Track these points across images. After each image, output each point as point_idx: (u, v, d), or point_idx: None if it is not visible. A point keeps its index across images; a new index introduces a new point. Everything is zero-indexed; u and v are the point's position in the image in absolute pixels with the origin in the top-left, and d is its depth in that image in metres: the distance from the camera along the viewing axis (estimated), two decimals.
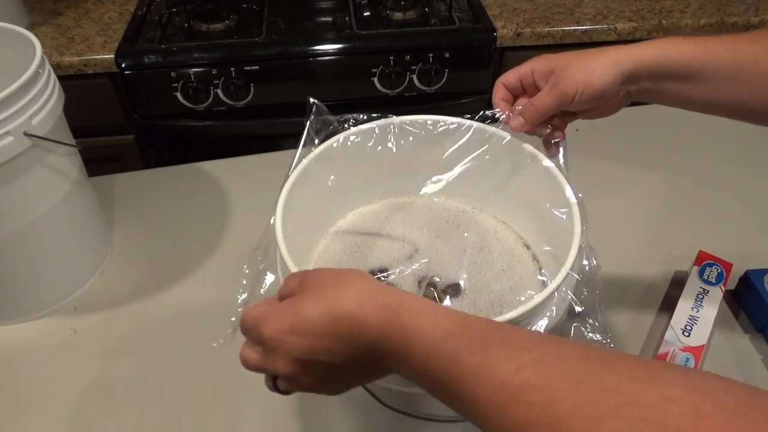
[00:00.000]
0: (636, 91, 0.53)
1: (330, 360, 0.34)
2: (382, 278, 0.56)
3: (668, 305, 0.74)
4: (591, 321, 0.45)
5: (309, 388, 0.37)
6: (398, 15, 1.38)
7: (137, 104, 1.31)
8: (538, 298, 0.42)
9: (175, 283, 0.80)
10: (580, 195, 0.51)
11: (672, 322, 0.69)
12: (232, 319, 0.42)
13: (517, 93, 0.57)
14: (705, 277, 0.73)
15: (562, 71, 0.51)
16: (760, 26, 1.38)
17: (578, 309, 0.45)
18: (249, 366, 0.39)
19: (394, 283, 0.56)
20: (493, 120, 0.57)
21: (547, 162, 0.54)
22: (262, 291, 0.47)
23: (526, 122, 0.54)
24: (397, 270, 0.56)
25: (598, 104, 0.52)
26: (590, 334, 0.44)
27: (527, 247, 0.59)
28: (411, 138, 0.60)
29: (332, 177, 0.59)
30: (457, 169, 0.61)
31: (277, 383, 0.39)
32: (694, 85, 0.50)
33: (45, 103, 0.65)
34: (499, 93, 0.56)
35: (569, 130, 0.57)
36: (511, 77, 0.56)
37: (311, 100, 0.54)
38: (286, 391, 0.39)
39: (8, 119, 0.60)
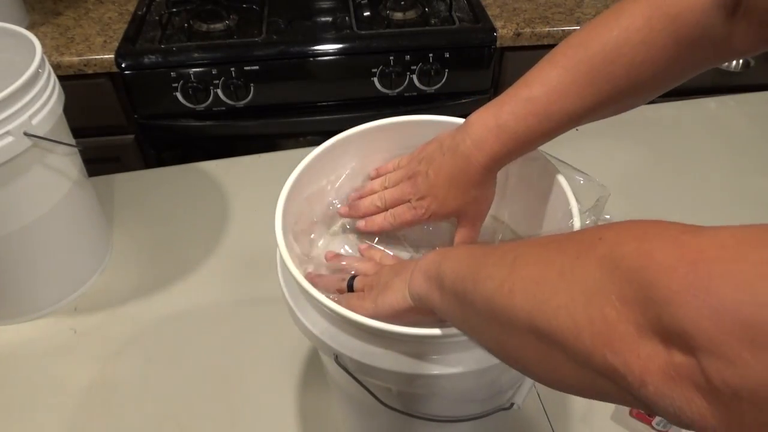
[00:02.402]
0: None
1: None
2: None
3: None
4: None
5: (380, 278, 0.48)
6: (398, 15, 1.38)
7: (137, 104, 1.31)
8: None
9: (175, 283, 0.80)
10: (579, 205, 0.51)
11: None
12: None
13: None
14: None
15: (465, 217, 0.54)
16: None
17: None
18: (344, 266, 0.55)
19: None
20: None
21: (547, 162, 0.54)
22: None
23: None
24: None
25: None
26: None
27: None
28: (410, 138, 0.60)
29: (332, 177, 0.59)
30: None
31: (354, 281, 0.51)
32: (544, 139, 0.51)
33: (45, 103, 0.65)
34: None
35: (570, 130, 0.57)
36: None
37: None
38: (355, 288, 0.50)
39: (8, 119, 0.60)
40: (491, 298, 0.32)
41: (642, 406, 0.25)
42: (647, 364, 0.23)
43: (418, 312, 0.43)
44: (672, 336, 0.23)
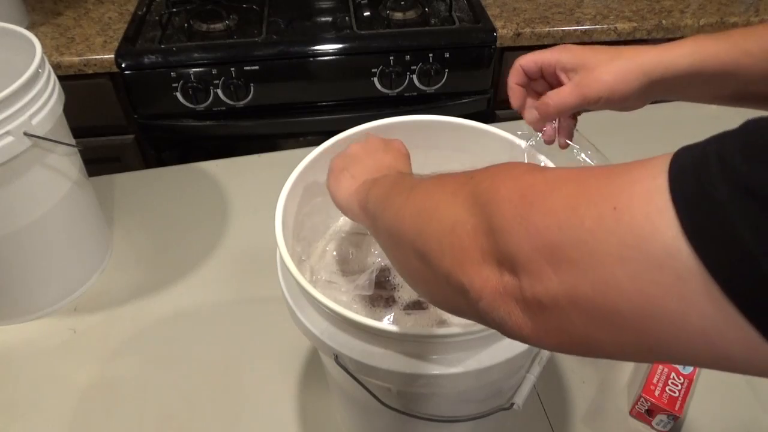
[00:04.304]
0: (662, 94, 0.51)
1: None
2: (383, 279, 0.56)
3: None
4: None
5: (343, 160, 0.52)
6: (398, 15, 1.38)
7: (137, 104, 1.31)
8: None
9: (175, 283, 0.80)
10: None
11: None
12: None
13: (533, 77, 0.55)
14: None
15: (589, 72, 0.49)
16: None
17: None
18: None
19: (394, 284, 0.56)
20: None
21: (547, 162, 0.54)
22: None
23: (540, 117, 0.53)
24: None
25: (620, 107, 0.51)
26: None
27: None
28: (410, 138, 0.60)
29: None
30: (457, 168, 0.61)
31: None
32: (725, 85, 0.48)
33: (45, 103, 0.65)
34: (515, 77, 0.55)
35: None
36: (531, 62, 0.54)
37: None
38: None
39: (8, 119, 0.61)
40: (391, 222, 0.38)
41: (480, 319, 0.29)
42: (485, 283, 0.28)
43: (348, 213, 0.49)
44: (504, 259, 0.27)
